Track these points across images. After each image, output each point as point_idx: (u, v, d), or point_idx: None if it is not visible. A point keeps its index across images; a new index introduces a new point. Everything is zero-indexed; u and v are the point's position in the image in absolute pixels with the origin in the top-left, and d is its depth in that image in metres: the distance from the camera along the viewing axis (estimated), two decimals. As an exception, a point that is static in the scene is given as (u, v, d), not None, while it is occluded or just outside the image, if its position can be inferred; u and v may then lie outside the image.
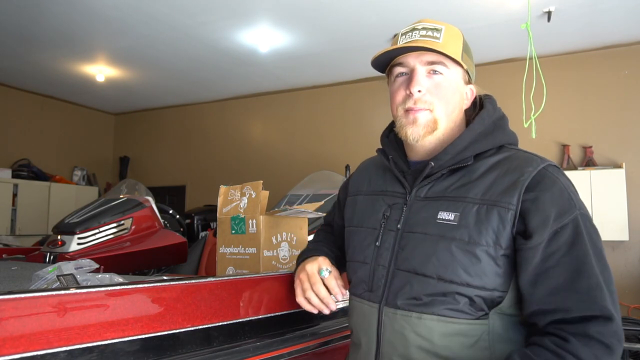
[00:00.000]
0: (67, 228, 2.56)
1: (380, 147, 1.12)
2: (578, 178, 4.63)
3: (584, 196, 4.94)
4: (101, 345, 0.77)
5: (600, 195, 4.53)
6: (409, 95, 0.98)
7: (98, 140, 7.80)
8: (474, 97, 1.06)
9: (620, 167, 4.58)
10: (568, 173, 4.67)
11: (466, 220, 0.90)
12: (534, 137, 3.13)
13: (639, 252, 4.57)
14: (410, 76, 0.99)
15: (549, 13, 4.10)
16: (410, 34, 0.99)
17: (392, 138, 1.10)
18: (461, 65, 1.00)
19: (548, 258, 0.85)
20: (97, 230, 2.58)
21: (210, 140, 7.17)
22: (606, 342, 0.78)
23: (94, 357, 0.76)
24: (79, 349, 0.75)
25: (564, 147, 4.88)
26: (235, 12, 4.25)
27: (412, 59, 0.99)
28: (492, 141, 0.97)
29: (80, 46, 5.08)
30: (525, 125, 3.17)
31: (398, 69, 1.01)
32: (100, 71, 5.79)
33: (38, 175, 6.57)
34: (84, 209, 2.76)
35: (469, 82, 1.04)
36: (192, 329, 0.90)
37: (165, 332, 0.86)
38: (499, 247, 0.88)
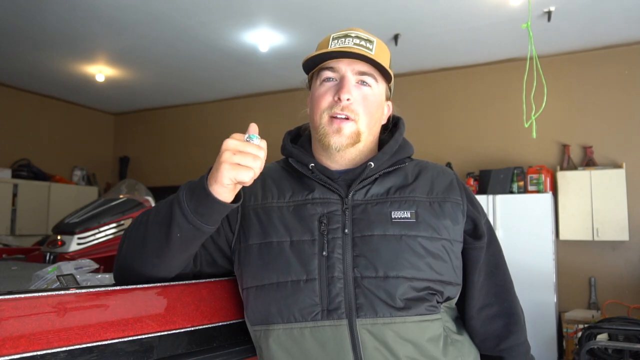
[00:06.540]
0: (66, 228, 2.57)
1: (284, 155, 1.06)
2: (578, 178, 4.62)
3: (584, 196, 4.89)
4: (101, 345, 0.77)
5: (600, 195, 4.52)
6: (336, 102, 0.95)
7: (98, 140, 7.79)
8: (390, 113, 1.07)
9: (620, 167, 4.58)
10: (568, 173, 4.68)
11: (423, 217, 0.92)
12: (534, 137, 3.13)
13: (639, 252, 4.57)
14: (340, 83, 0.96)
15: (549, 13, 4.10)
16: (343, 39, 0.97)
17: (302, 146, 1.06)
18: (388, 81, 1.01)
19: (491, 256, 1.00)
20: (96, 230, 2.58)
21: (211, 140, 7.17)
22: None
23: (94, 357, 0.76)
24: (79, 349, 0.75)
25: (564, 147, 4.87)
26: (235, 12, 4.25)
27: (344, 65, 0.96)
28: (409, 150, 1.04)
29: (80, 46, 5.07)
30: (526, 125, 3.17)
31: (327, 73, 0.98)
32: (100, 71, 5.79)
33: (38, 175, 6.56)
34: (83, 209, 2.76)
35: (387, 98, 1.06)
36: (192, 329, 0.90)
37: (165, 332, 0.86)
38: (455, 242, 0.95)
